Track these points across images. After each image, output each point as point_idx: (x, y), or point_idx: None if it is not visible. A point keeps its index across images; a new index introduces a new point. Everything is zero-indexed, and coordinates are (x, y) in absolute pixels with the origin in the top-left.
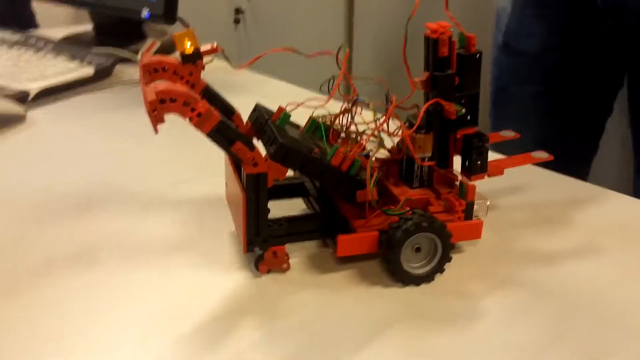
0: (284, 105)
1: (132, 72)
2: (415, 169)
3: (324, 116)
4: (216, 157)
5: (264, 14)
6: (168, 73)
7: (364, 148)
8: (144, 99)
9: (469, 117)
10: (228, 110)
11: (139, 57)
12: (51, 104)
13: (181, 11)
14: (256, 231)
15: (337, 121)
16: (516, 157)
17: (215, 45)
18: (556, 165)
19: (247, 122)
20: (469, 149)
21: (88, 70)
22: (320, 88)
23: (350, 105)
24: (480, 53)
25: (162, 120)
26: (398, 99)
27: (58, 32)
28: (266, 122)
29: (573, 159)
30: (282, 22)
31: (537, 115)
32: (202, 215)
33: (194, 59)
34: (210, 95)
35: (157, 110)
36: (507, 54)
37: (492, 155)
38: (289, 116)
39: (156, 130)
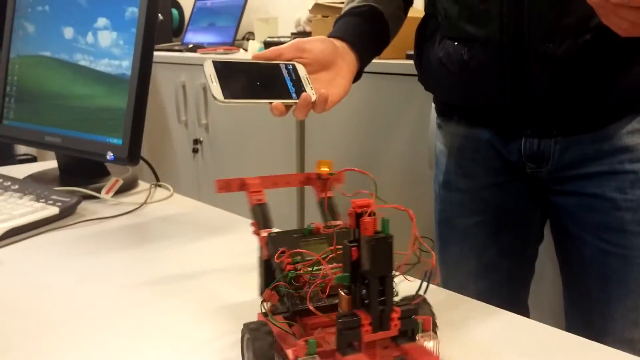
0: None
1: (95, 208)
2: None
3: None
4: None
5: (220, 144)
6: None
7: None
8: None
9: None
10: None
11: (102, 194)
12: (17, 243)
13: (144, 143)
14: None
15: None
16: None
17: (341, 175)
18: (498, 284)
19: None
20: None
21: (53, 210)
22: None
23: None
24: (389, 238)
25: None
26: None
27: (22, 170)
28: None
29: (512, 279)
30: (236, 151)
31: (478, 242)
32: (178, 340)
33: (333, 175)
34: (329, 203)
35: None
36: (448, 190)
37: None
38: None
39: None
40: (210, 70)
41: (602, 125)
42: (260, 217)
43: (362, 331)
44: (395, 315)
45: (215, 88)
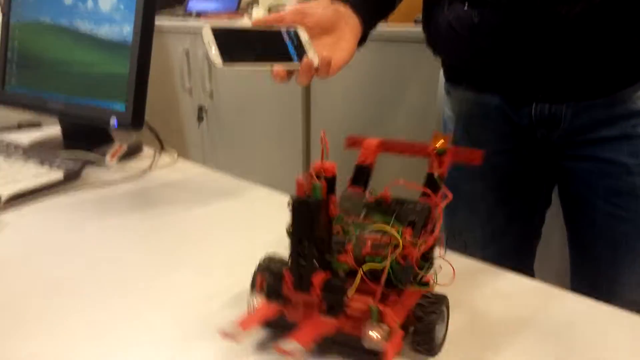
0: None
1: (99, 174)
2: None
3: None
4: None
5: (224, 111)
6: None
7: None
8: None
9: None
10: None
11: (106, 160)
12: (22, 207)
13: (149, 111)
14: None
15: None
16: None
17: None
18: (505, 250)
19: None
20: None
21: (57, 175)
22: None
23: None
24: (312, 203)
25: None
26: None
27: (27, 136)
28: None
29: (519, 245)
30: (241, 118)
31: (486, 208)
32: (179, 308)
33: (442, 153)
34: (435, 179)
35: None
36: None
37: None
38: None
39: None
40: (208, 36)
41: (615, 89)
42: (354, 175)
43: (282, 284)
44: (316, 281)
45: (214, 53)
